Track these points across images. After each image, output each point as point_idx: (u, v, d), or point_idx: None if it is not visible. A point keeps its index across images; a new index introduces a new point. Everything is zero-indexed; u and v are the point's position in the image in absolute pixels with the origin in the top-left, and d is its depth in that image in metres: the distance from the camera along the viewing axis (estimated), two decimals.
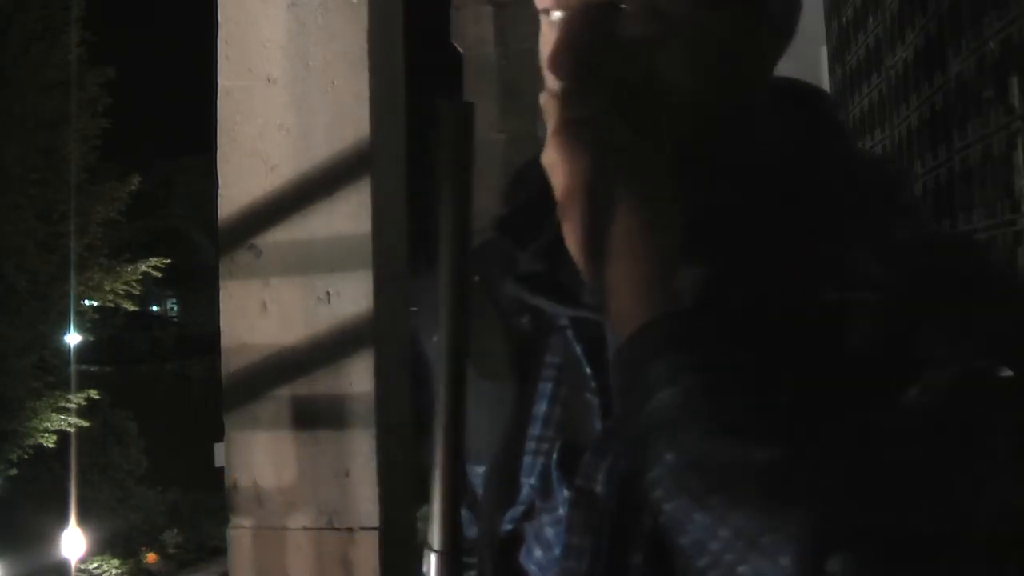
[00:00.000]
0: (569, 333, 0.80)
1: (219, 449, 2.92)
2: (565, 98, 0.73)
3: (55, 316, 11.07)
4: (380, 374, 2.19)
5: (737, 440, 0.65)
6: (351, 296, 2.20)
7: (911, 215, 0.78)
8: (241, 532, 2.24)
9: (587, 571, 0.76)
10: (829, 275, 0.71)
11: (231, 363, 2.26)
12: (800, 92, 0.86)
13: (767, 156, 0.78)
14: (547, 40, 0.77)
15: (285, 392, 2.22)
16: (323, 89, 2.23)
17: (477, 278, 0.83)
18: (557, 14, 0.75)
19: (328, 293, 2.19)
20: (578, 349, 0.79)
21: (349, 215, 2.19)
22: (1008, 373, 0.68)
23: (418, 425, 2.31)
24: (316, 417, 2.20)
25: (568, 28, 0.73)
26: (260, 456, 2.24)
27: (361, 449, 2.17)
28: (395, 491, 2.23)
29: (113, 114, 11.78)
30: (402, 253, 2.39)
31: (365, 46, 2.22)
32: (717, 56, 0.75)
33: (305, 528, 2.19)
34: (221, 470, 2.37)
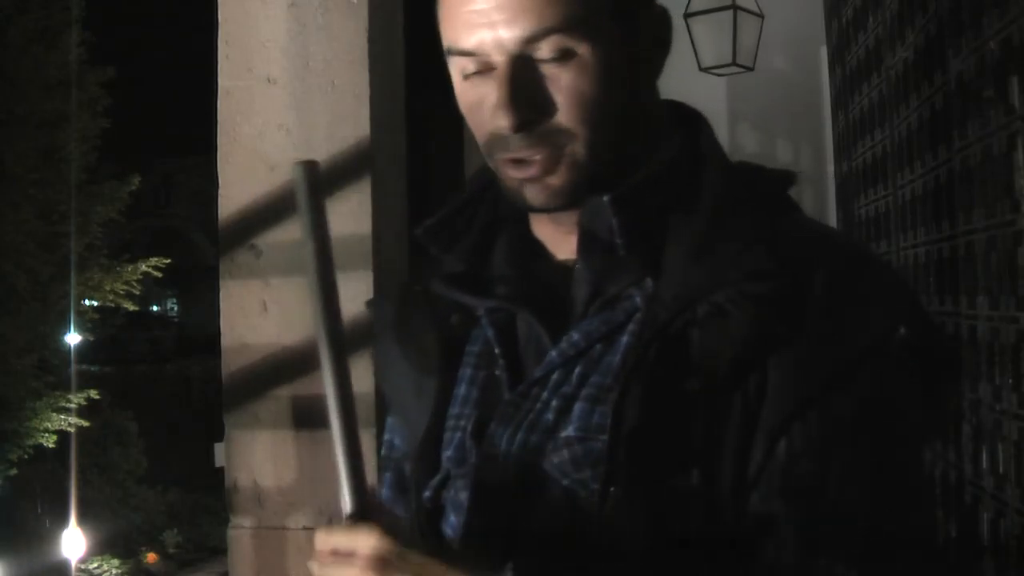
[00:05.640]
0: (484, 320, 0.91)
1: (219, 449, 2.92)
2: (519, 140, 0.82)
3: (55, 316, 11.04)
4: None
5: None
6: (351, 296, 2.19)
7: (793, 213, 0.89)
8: (241, 532, 2.24)
9: (490, 527, 0.85)
10: (720, 272, 0.80)
11: (231, 363, 2.26)
12: (680, 110, 0.94)
13: (669, 168, 0.87)
14: (470, 97, 0.85)
15: (285, 392, 2.22)
16: (323, 89, 2.23)
17: (418, 288, 0.96)
18: (477, 73, 0.84)
19: None
20: (490, 332, 0.90)
21: (349, 215, 2.19)
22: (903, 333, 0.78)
23: None
24: (316, 417, 2.20)
25: (513, 77, 0.82)
26: (260, 456, 2.24)
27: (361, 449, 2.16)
28: None
29: (113, 114, 11.76)
30: (402, 253, 2.39)
31: (365, 46, 2.22)
32: (611, 87, 0.83)
33: (305, 528, 2.19)
34: (221, 470, 2.37)
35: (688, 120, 0.93)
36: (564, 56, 0.81)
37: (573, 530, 0.80)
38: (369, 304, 1.03)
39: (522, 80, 0.81)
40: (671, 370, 0.78)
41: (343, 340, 0.83)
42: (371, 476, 2.38)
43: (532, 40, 0.81)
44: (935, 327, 0.85)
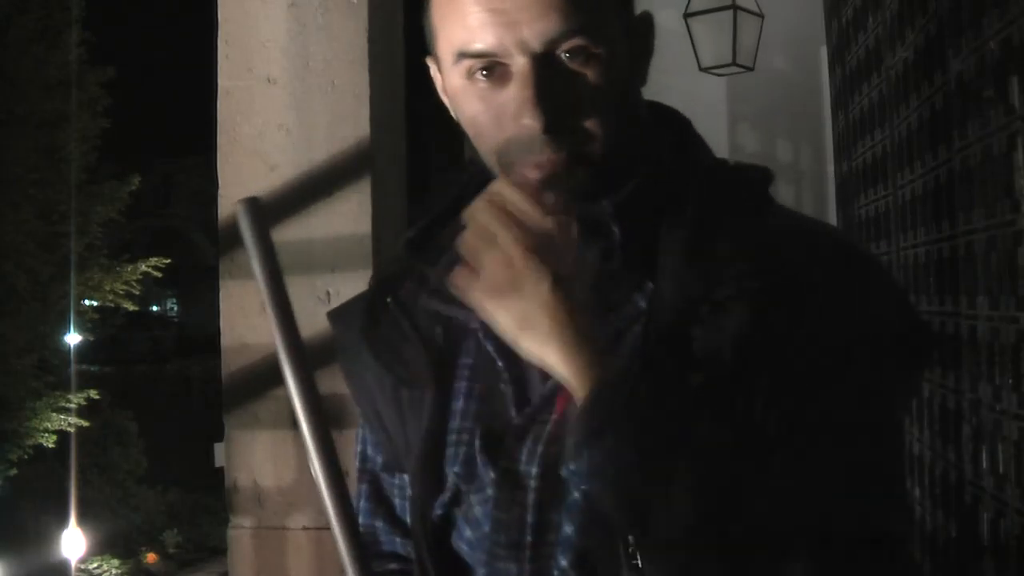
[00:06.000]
0: (480, 334, 0.89)
1: (219, 449, 2.93)
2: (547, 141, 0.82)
3: (55, 316, 11.05)
4: None
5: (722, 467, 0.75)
6: (351, 296, 2.20)
7: (772, 208, 0.89)
8: (241, 532, 2.24)
9: (515, 542, 0.85)
10: (714, 266, 0.81)
11: (231, 363, 2.26)
12: (661, 111, 0.95)
13: (654, 167, 0.88)
14: (477, 99, 0.84)
15: (285, 392, 2.22)
16: (323, 89, 2.23)
17: (389, 300, 0.95)
18: (487, 75, 0.83)
19: (328, 293, 2.19)
20: (490, 347, 0.89)
21: (349, 215, 2.19)
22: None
23: None
24: None
25: (542, 78, 0.81)
26: (260, 456, 2.24)
27: None
28: None
29: (113, 114, 11.76)
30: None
31: (365, 46, 2.22)
32: (621, 87, 0.85)
33: (305, 528, 2.19)
34: (221, 470, 2.37)
35: (668, 119, 0.94)
36: (583, 57, 0.81)
37: (592, 533, 0.81)
38: (330, 316, 1.02)
39: (548, 80, 0.81)
40: (677, 369, 0.78)
41: (307, 361, 0.83)
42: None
43: (556, 41, 0.80)
44: (919, 317, 0.88)
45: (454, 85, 0.86)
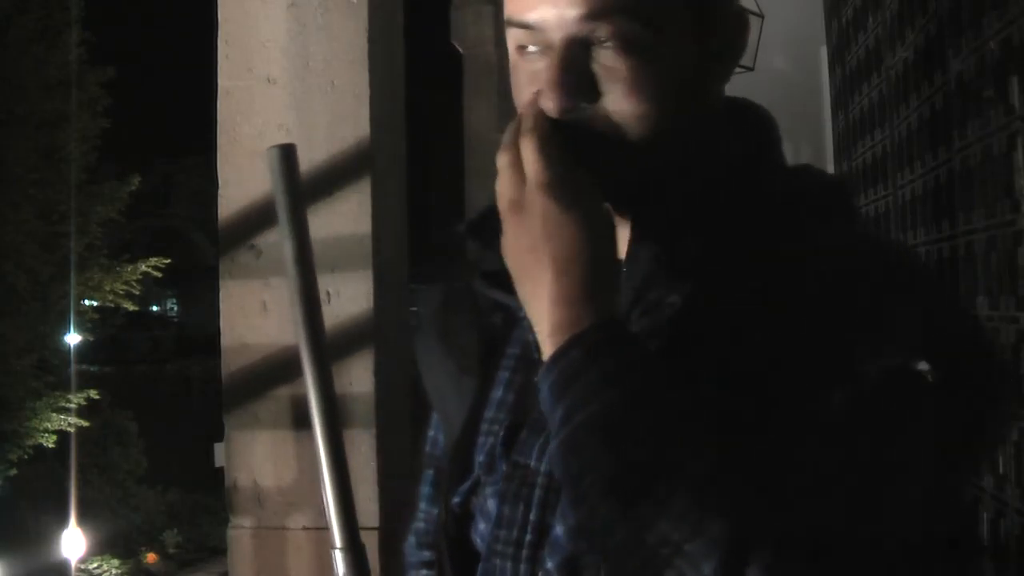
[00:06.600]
0: (525, 323, 0.85)
1: (219, 449, 2.93)
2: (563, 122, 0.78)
3: (55, 316, 11.03)
4: (380, 374, 2.19)
5: (665, 450, 0.70)
6: (351, 296, 2.20)
7: (843, 219, 0.85)
8: (241, 532, 2.24)
9: (515, 539, 0.83)
10: (761, 274, 0.77)
11: (231, 363, 2.26)
12: (741, 110, 0.91)
13: (712, 167, 0.84)
14: (523, 72, 0.82)
15: (285, 392, 2.22)
16: (323, 89, 2.23)
17: (460, 284, 0.93)
18: (534, 48, 0.80)
19: (328, 293, 2.19)
20: (532, 336, 0.84)
21: (349, 215, 2.19)
22: (925, 367, 0.73)
23: (417, 424, 2.30)
24: None
25: (567, 58, 0.78)
26: (260, 456, 2.24)
27: (361, 449, 2.17)
28: (394, 491, 2.23)
29: (113, 114, 11.76)
30: (402, 253, 2.39)
31: (365, 46, 2.22)
32: (672, 82, 0.80)
33: (305, 528, 2.19)
34: (221, 470, 2.37)
35: (747, 119, 0.89)
36: (626, 42, 0.77)
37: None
38: (415, 293, 1.01)
39: (575, 63, 0.78)
40: (697, 375, 0.75)
41: (323, 333, 0.83)
42: (369, 479, 2.37)
43: (593, 18, 0.77)
44: (977, 348, 0.78)
45: (509, 52, 0.84)
